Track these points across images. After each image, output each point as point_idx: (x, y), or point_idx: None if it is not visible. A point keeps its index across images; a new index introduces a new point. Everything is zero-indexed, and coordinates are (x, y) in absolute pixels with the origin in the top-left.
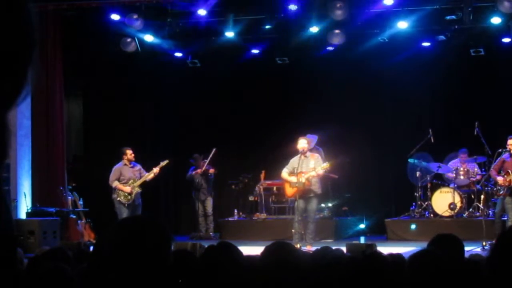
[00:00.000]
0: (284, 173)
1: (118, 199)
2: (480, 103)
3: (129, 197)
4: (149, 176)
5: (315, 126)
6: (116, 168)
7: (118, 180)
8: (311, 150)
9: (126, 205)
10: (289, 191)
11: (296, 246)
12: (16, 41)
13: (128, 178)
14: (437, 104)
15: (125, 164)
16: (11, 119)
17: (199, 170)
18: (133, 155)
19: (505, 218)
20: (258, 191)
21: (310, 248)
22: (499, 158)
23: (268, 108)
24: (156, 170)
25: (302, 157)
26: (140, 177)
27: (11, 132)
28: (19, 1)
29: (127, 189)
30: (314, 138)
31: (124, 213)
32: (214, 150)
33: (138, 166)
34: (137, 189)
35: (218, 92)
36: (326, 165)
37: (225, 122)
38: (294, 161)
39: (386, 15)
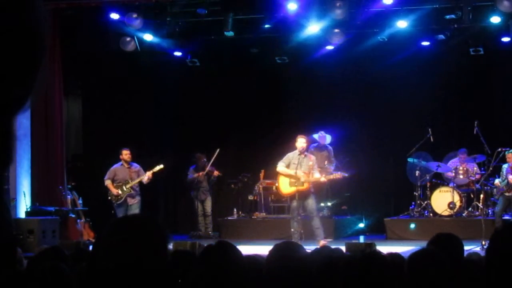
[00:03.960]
0: (281, 167)
1: (109, 198)
2: (480, 102)
3: (118, 197)
4: (143, 179)
5: (314, 125)
6: (112, 168)
7: (113, 180)
8: (321, 147)
9: (115, 204)
10: (285, 189)
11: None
12: (27, 45)
13: (121, 179)
14: (437, 103)
15: (122, 165)
16: None
17: (201, 173)
18: (128, 155)
19: (506, 217)
20: (258, 191)
21: (325, 242)
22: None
23: (267, 107)
24: (149, 173)
25: (302, 155)
26: (138, 178)
27: (16, 138)
28: (29, 2)
29: (114, 190)
30: (324, 137)
31: (118, 212)
32: (217, 150)
33: (137, 167)
34: (127, 191)
35: (217, 91)
36: (337, 174)
37: (225, 121)
38: (292, 157)
39: (385, 14)
